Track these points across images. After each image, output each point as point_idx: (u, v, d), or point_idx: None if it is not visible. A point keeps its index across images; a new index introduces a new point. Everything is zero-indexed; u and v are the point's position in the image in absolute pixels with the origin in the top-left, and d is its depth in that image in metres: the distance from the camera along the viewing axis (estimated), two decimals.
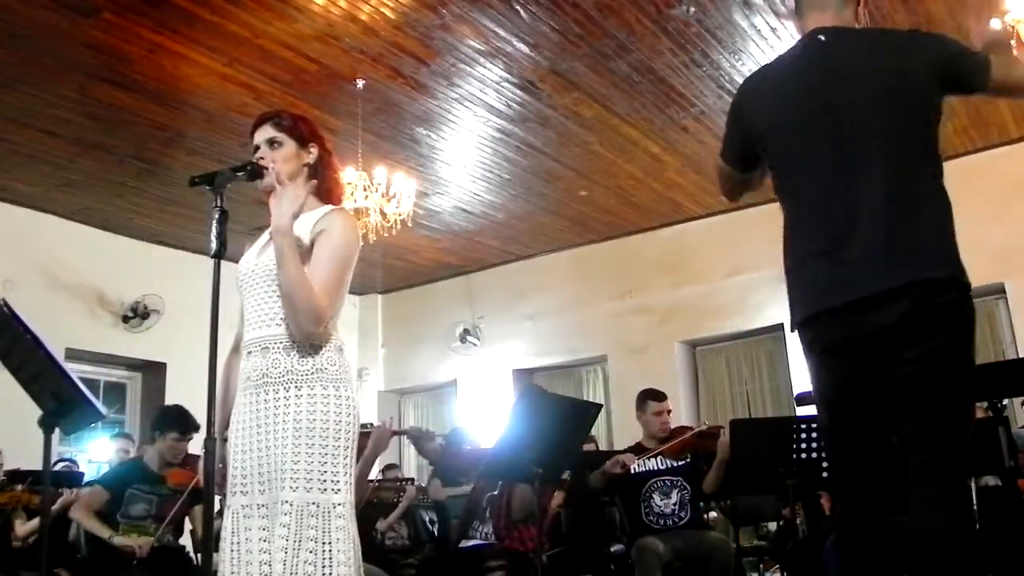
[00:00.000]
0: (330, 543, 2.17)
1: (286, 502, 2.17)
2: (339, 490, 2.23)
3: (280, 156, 2.42)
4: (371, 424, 4.03)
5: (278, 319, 2.30)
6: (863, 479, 2.12)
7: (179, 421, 4.40)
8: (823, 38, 2.23)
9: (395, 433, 4.35)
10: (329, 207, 2.43)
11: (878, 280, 2.01)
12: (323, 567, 2.14)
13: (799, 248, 2.18)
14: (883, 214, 2.04)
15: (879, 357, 2.05)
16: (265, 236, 2.46)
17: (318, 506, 2.19)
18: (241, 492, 2.27)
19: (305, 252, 2.32)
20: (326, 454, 2.23)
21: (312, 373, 2.28)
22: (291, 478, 2.19)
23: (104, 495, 4.28)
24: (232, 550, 2.23)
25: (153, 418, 4.78)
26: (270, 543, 2.18)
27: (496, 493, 4.43)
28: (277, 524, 2.17)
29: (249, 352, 2.34)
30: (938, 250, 2.05)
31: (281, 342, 2.29)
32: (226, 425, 2.37)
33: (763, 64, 2.54)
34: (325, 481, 2.21)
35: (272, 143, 2.43)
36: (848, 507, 2.16)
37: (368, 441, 3.82)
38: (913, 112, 2.12)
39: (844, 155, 2.11)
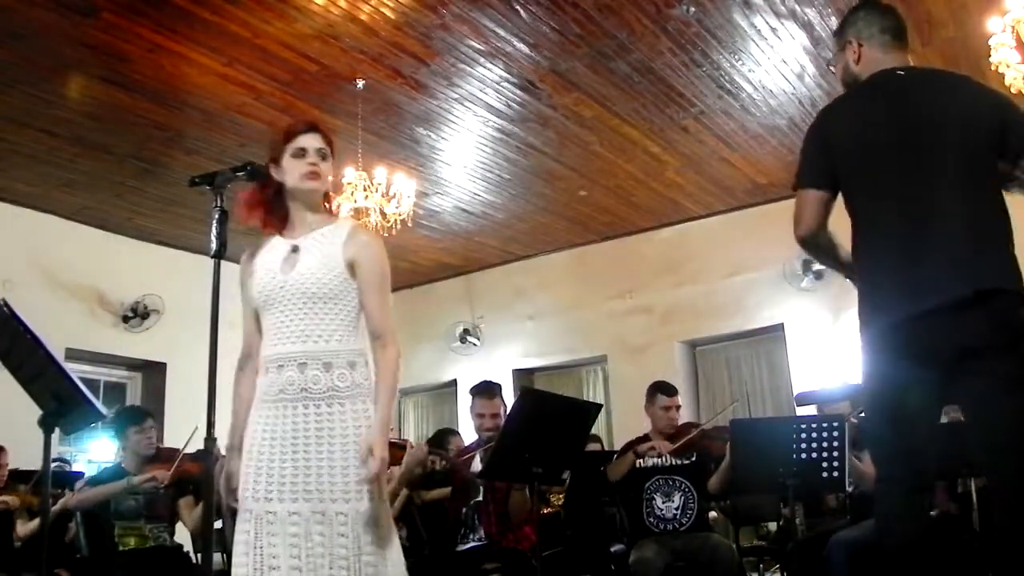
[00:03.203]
0: (384, 548, 2.35)
1: (340, 513, 2.31)
2: (385, 498, 2.42)
3: (327, 168, 2.56)
4: (408, 441, 4.05)
5: (315, 336, 2.39)
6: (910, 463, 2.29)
7: (129, 415, 4.50)
8: (902, 73, 2.44)
9: (431, 453, 4.27)
10: (350, 223, 2.60)
11: (949, 291, 2.18)
12: (382, 567, 2.33)
13: (877, 261, 2.34)
14: (958, 231, 2.24)
15: (949, 364, 2.21)
16: (285, 247, 2.50)
17: (369, 513, 2.33)
18: (265, 499, 2.33)
19: (344, 268, 2.43)
20: None
21: (351, 389, 2.40)
22: (342, 490, 2.33)
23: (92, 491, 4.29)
24: (255, 554, 2.29)
25: (110, 431, 4.84)
26: (300, 548, 2.27)
27: (480, 500, 4.28)
28: (333, 533, 2.30)
29: (280, 366, 2.39)
30: (1003, 263, 2.23)
31: (320, 359, 2.38)
32: (240, 438, 2.44)
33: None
34: (373, 491, 2.35)
35: (323, 155, 2.55)
36: (890, 490, 2.31)
37: (403, 456, 3.86)
38: (985, 147, 2.31)
39: (924, 178, 2.29)
